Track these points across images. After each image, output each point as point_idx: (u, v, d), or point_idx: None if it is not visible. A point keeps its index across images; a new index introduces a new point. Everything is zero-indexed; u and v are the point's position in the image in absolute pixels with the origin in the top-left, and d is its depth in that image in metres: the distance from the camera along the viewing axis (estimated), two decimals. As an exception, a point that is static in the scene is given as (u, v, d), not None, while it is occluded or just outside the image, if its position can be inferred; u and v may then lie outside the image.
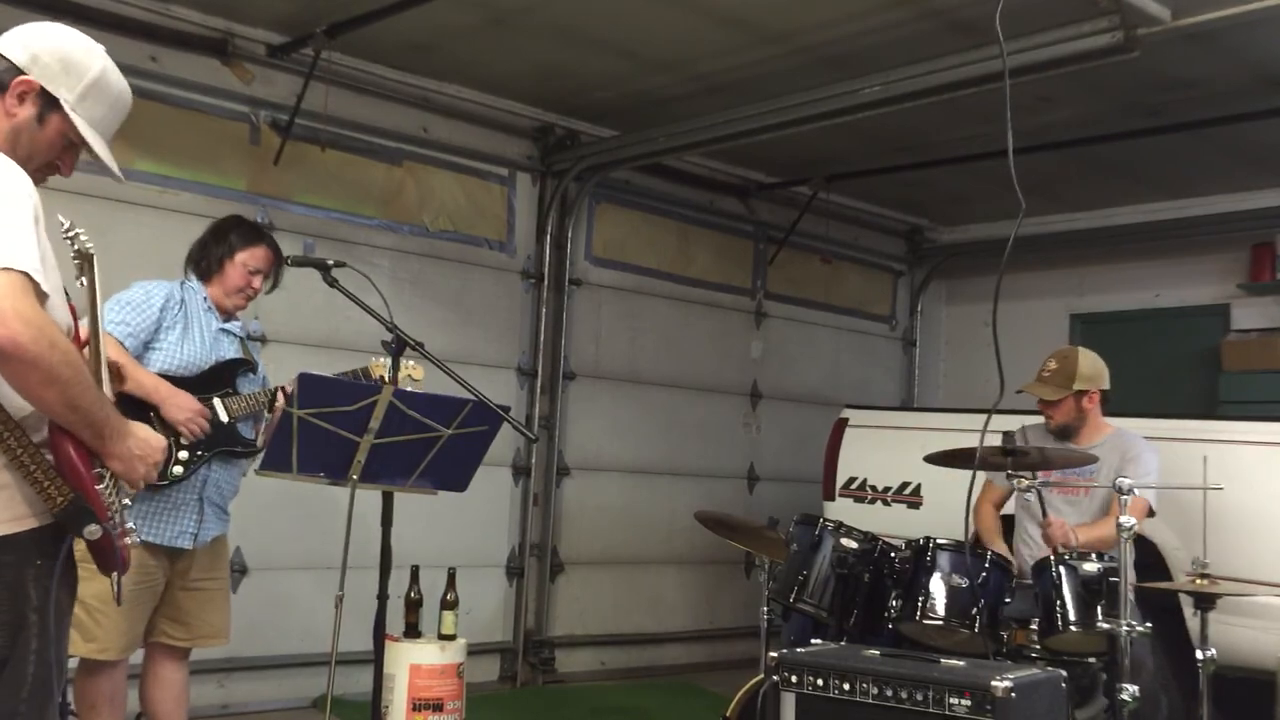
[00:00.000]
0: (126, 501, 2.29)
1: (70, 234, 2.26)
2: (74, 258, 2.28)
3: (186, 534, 3.78)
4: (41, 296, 2.05)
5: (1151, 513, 4.48)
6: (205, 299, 3.91)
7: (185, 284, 3.92)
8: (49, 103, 2.27)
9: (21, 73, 2.25)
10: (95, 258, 2.30)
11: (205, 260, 3.93)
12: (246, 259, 3.92)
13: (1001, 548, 4.62)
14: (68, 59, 2.29)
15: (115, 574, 2.30)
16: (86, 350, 2.30)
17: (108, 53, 2.37)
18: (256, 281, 3.96)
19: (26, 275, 2.01)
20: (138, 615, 3.73)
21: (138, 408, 3.63)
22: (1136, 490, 4.46)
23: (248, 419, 3.94)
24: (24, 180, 2.14)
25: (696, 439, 7.81)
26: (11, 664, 2.12)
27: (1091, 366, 4.63)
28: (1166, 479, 4.47)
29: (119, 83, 2.38)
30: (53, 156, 2.31)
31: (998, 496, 4.86)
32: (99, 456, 2.20)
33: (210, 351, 3.86)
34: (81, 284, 2.31)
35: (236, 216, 4.14)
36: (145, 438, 2.30)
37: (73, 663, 4.20)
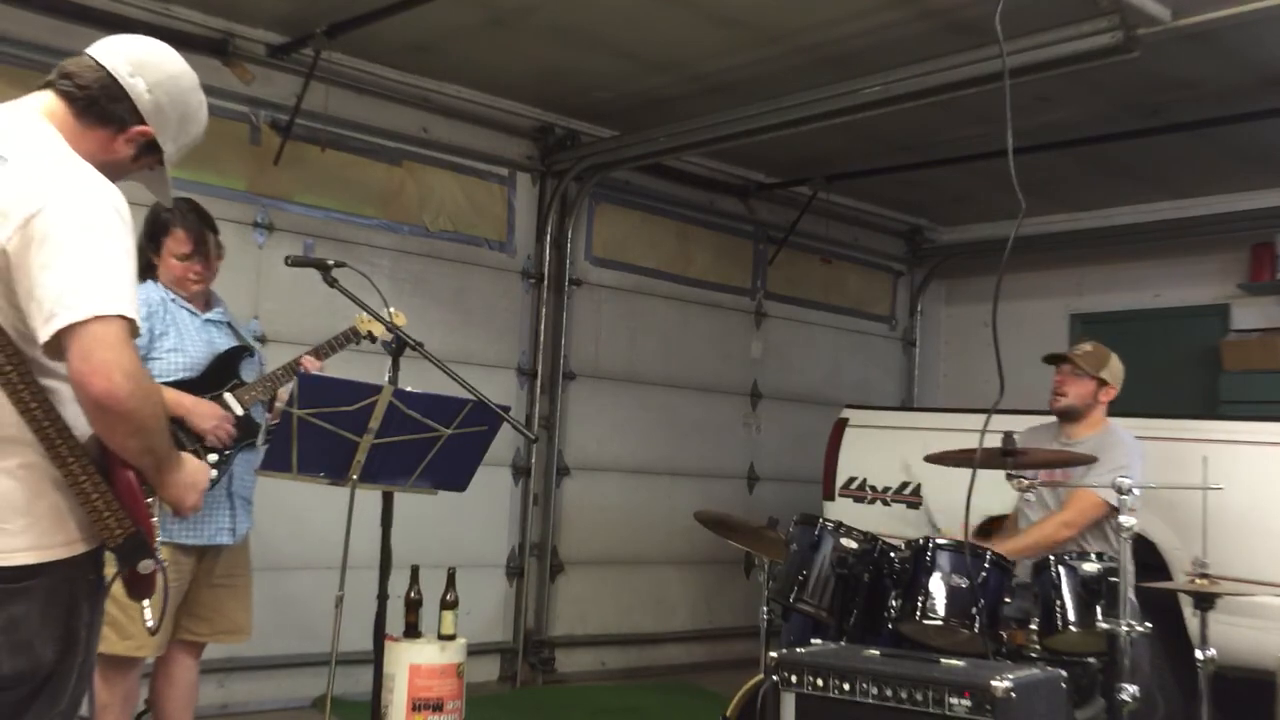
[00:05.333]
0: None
1: None
2: None
3: (224, 530, 3.81)
4: (136, 331, 2.04)
5: (1114, 509, 3.99)
6: (173, 299, 3.84)
7: (156, 283, 3.85)
8: (150, 148, 2.25)
9: (142, 120, 2.21)
10: None
11: (144, 272, 3.80)
12: (170, 249, 3.81)
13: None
14: (186, 115, 2.27)
15: (155, 608, 2.28)
16: None
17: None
18: (196, 264, 3.83)
19: (127, 320, 1.99)
20: (170, 613, 3.73)
21: None
22: (1134, 489, 4.47)
23: (260, 405, 3.93)
24: (121, 202, 2.09)
25: (696, 439, 7.81)
26: (57, 677, 2.10)
27: (1119, 367, 4.66)
28: (1166, 479, 4.46)
29: (204, 129, 2.37)
30: (115, 177, 2.26)
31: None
32: (151, 486, 2.18)
33: (206, 347, 3.84)
34: None
35: (149, 213, 3.86)
36: (195, 467, 2.29)
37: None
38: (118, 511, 2.08)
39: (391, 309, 4.02)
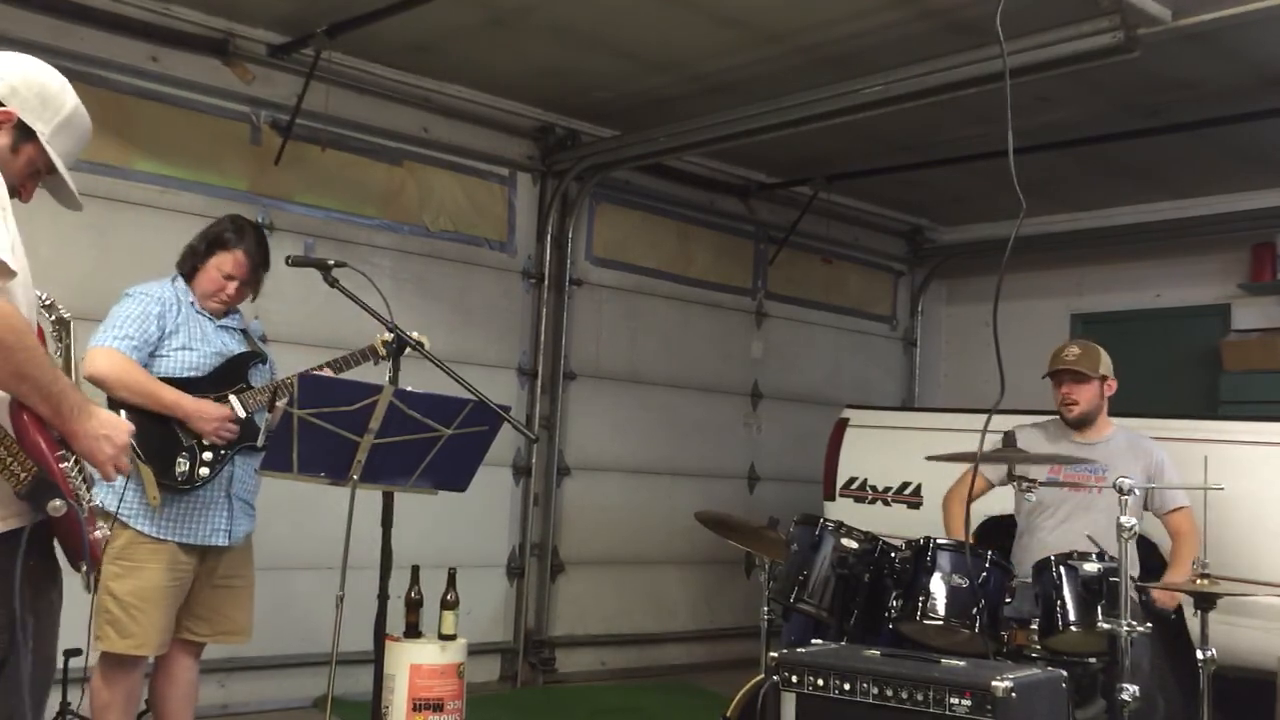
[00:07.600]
0: (97, 502, 2.29)
1: (48, 303, 2.37)
2: (53, 329, 2.39)
3: (220, 531, 3.82)
4: (6, 273, 2.10)
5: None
6: (192, 302, 3.89)
7: (176, 283, 3.89)
8: (24, 133, 2.34)
9: (1, 104, 2.32)
10: (72, 324, 2.41)
11: (189, 263, 3.91)
12: (219, 263, 3.87)
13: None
14: (45, 93, 2.38)
15: (85, 568, 2.29)
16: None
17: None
18: (230, 288, 3.89)
19: None
20: (172, 613, 3.75)
21: (160, 421, 3.66)
22: (1172, 502, 4.49)
23: (264, 411, 3.94)
24: None
25: (696, 439, 7.80)
26: (10, 664, 2.12)
27: (1109, 359, 4.65)
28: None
29: (85, 118, 2.47)
30: (15, 183, 2.35)
31: (977, 490, 4.50)
32: (63, 438, 2.22)
33: (216, 349, 3.87)
34: (58, 351, 2.41)
35: (229, 218, 4.03)
36: (109, 419, 2.32)
37: (76, 662, 4.21)
38: (19, 455, 2.11)
39: (415, 332, 4.01)
